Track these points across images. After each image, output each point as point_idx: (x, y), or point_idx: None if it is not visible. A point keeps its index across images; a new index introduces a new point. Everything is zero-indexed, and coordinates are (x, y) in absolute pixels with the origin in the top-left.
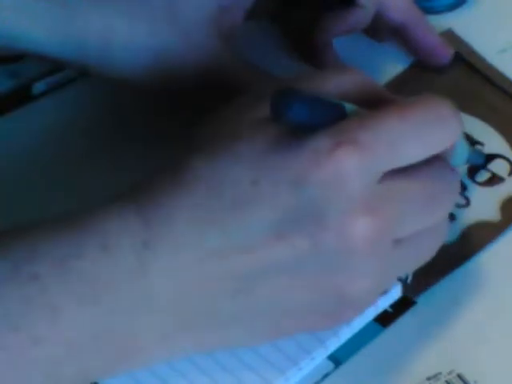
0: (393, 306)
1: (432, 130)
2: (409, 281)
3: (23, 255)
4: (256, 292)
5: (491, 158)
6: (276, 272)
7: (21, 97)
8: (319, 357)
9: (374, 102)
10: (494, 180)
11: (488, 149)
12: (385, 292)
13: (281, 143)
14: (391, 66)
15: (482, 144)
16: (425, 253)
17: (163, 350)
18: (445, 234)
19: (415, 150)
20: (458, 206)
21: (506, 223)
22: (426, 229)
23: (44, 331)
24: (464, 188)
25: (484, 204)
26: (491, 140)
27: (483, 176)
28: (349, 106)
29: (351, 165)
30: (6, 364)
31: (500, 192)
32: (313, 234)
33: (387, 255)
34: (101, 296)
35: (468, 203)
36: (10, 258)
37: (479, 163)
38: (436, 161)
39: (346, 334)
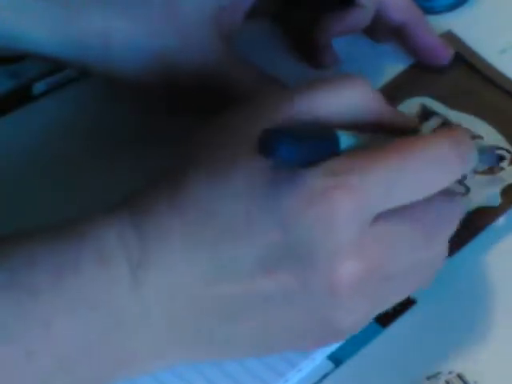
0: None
1: (431, 173)
2: None
3: (20, 265)
4: (244, 320)
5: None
6: (264, 304)
7: (21, 97)
8: (319, 357)
9: (378, 122)
10: (495, 169)
11: None
12: None
13: (276, 177)
14: (391, 66)
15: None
16: (420, 281)
17: (158, 362)
18: (443, 261)
19: (412, 193)
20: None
21: (506, 206)
22: (422, 260)
23: (37, 345)
24: (464, 177)
25: (484, 192)
26: (491, 140)
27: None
28: (344, 139)
29: (343, 208)
30: None
31: (500, 181)
32: (300, 273)
33: (377, 292)
34: (95, 310)
35: (468, 191)
36: (8, 266)
37: (492, 165)
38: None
39: None
